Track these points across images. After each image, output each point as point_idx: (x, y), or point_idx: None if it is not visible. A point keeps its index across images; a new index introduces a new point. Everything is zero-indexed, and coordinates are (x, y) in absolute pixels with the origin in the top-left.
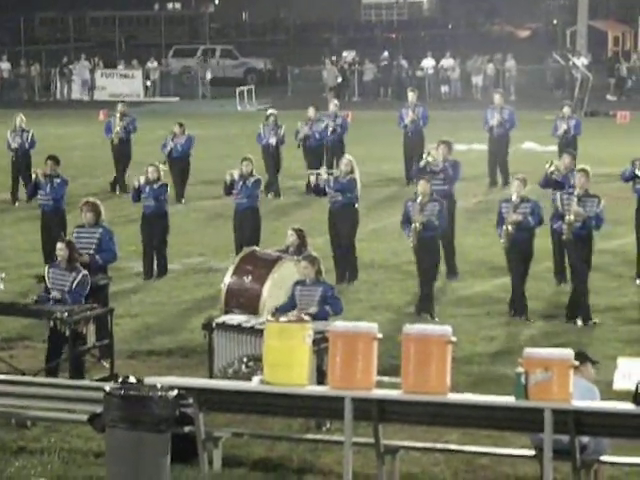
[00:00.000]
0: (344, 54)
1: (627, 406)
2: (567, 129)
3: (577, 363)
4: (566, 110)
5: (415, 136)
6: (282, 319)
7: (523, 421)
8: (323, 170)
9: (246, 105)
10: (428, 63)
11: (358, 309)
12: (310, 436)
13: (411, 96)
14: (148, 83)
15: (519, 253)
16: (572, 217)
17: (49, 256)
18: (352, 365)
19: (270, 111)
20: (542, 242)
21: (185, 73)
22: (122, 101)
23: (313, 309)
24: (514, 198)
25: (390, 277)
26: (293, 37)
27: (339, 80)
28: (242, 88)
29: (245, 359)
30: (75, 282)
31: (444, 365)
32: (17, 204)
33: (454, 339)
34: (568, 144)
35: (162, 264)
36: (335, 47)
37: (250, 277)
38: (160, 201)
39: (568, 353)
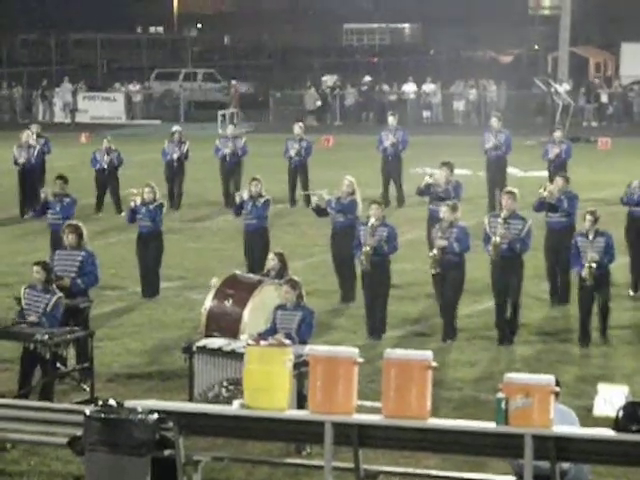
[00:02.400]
0: (325, 78)
1: (608, 432)
2: (559, 153)
3: (558, 389)
4: (557, 134)
5: (393, 160)
6: (262, 343)
7: (503, 447)
8: (325, 191)
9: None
10: (410, 88)
11: (339, 333)
12: (290, 460)
13: (391, 120)
14: (130, 106)
15: (448, 277)
16: (498, 239)
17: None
18: (332, 390)
19: (175, 128)
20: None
21: (167, 96)
22: (39, 122)
23: (279, 336)
24: (443, 223)
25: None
26: (275, 61)
27: (318, 104)
28: (224, 111)
29: (225, 383)
30: (50, 305)
31: (425, 390)
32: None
33: (435, 364)
34: (559, 168)
35: (155, 284)
36: (317, 71)
37: (231, 301)
38: (156, 221)
39: (549, 379)
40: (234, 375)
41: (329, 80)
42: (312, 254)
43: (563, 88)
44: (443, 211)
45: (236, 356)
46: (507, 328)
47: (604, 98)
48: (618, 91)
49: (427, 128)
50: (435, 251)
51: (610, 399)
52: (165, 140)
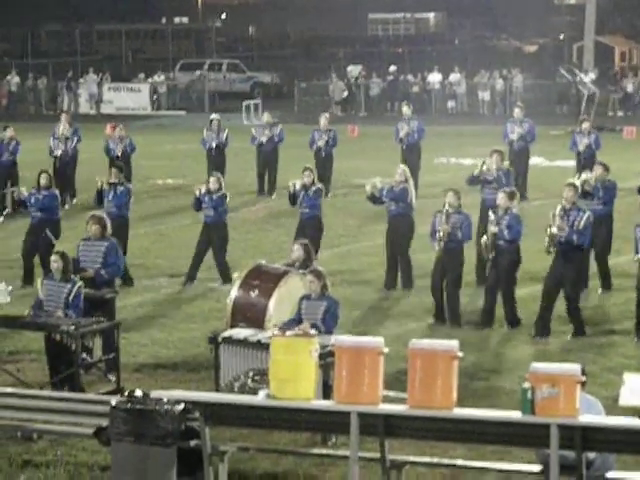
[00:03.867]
0: (350, 68)
1: (634, 422)
2: (588, 144)
3: (584, 379)
4: (585, 125)
5: (410, 149)
6: (288, 333)
7: (529, 436)
8: (378, 179)
9: (253, 119)
10: (435, 78)
11: (365, 323)
12: (316, 450)
13: (405, 110)
14: (155, 97)
15: (499, 264)
16: (554, 230)
17: None
18: (358, 380)
19: (213, 116)
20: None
21: (192, 87)
22: (65, 111)
23: (304, 325)
24: (499, 210)
25: (393, 293)
26: (300, 51)
27: (345, 94)
28: (249, 102)
29: (251, 373)
30: (72, 294)
31: (450, 380)
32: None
33: (460, 354)
34: (589, 159)
35: (224, 271)
36: (342, 61)
37: (256, 291)
38: (219, 211)
39: (575, 369)
40: (260, 365)
41: (354, 70)
42: (338, 244)
43: (588, 77)
44: (500, 197)
45: (262, 346)
46: (546, 321)
47: (630, 87)
48: None
49: (452, 118)
50: (485, 237)
51: (636, 389)
52: (204, 129)
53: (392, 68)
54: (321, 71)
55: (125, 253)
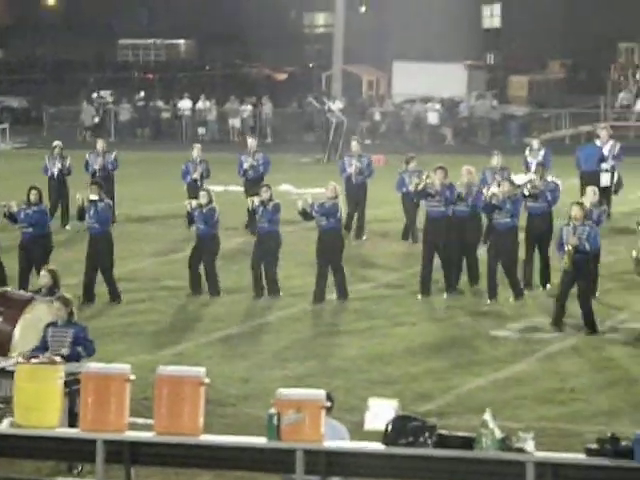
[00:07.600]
0: (101, 94)
1: (377, 446)
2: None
3: (329, 404)
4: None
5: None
6: (33, 361)
7: (275, 462)
8: (309, 195)
9: (0, 144)
10: (185, 104)
11: (113, 350)
12: (61, 479)
13: (250, 142)
14: None
15: (579, 273)
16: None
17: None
18: (104, 407)
19: (55, 143)
20: None
21: None
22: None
23: (65, 350)
24: (575, 222)
25: (146, 318)
26: (50, 76)
27: (96, 120)
28: None
29: None
30: None
31: (197, 406)
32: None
33: (207, 380)
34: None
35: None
36: (92, 86)
37: (1, 318)
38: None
39: (320, 394)
40: (4, 393)
41: (105, 95)
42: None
43: (336, 106)
44: (575, 210)
45: (6, 374)
46: None
47: (377, 116)
48: (390, 109)
49: (203, 145)
50: (569, 247)
51: (380, 413)
52: (45, 156)
53: (141, 94)
54: (71, 96)
55: (112, 267)
